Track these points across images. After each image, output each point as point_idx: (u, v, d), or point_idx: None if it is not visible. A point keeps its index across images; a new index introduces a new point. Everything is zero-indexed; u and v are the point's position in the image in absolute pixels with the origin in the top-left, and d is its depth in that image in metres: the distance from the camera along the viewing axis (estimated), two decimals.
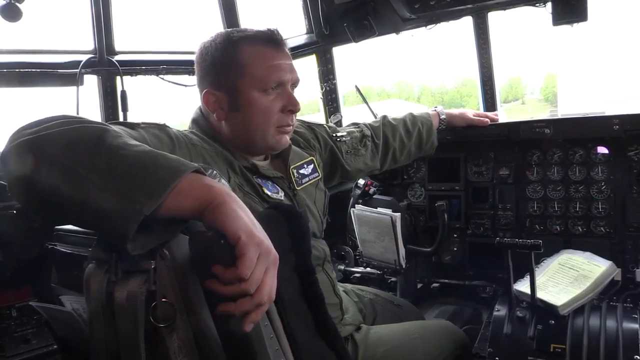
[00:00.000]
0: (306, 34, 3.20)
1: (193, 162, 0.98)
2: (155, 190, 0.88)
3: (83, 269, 0.93)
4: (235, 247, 0.88)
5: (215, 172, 1.01)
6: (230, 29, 1.60)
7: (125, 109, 2.59)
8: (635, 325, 1.66)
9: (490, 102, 2.97)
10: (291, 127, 1.61)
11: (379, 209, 2.36)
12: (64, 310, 1.09)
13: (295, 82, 1.59)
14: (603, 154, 2.28)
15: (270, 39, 1.54)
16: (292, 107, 1.56)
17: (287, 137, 1.63)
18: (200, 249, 0.92)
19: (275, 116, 1.55)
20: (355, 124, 2.24)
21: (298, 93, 1.65)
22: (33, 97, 2.41)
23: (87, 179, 0.88)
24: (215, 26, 2.92)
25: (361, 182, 2.62)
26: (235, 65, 1.50)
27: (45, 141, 0.93)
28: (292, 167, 1.73)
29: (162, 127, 1.40)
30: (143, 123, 1.35)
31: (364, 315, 1.94)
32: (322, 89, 3.30)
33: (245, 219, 0.91)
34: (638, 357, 1.56)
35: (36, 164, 0.90)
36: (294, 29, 3.20)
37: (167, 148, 1.32)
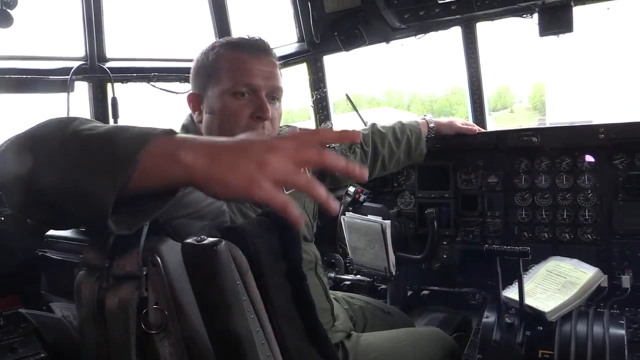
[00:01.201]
0: (297, 42, 3.22)
1: None
2: (125, 160, 0.81)
3: (74, 275, 0.92)
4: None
5: None
6: (219, 39, 1.65)
7: (115, 116, 2.58)
8: (622, 331, 1.69)
9: (479, 110, 3.01)
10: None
11: (369, 217, 2.37)
12: (54, 317, 1.08)
13: (272, 90, 1.57)
14: (589, 162, 2.32)
15: (249, 45, 1.56)
16: (260, 113, 1.53)
17: None
18: (193, 258, 0.92)
19: (244, 121, 1.53)
20: None
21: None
22: (23, 103, 2.39)
23: (60, 165, 0.85)
24: (207, 34, 2.93)
25: (351, 189, 2.63)
26: (211, 69, 1.55)
27: (19, 141, 0.91)
28: None
29: None
30: None
31: (354, 323, 1.95)
32: (312, 97, 3.32)
33: (230, 179, 0.81)
34: None
35: (17, 164, 0.88)
36: (285, 37, 3.22)
37: None
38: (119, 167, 0.80)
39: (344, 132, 0.95)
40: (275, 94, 1.59)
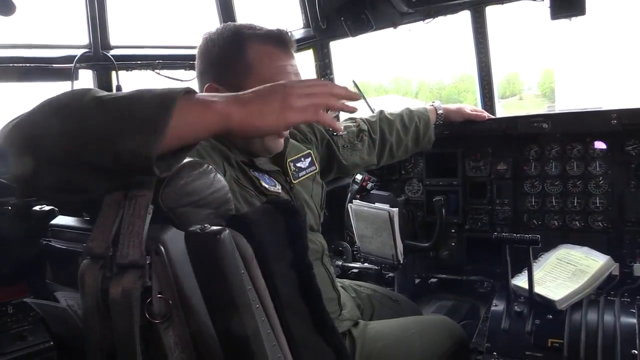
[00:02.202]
0: (303, 28, 3.19)
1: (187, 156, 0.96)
2: (163, 111, 0.86)
3: (78, 264, 0.92)
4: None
5: (210, 167, 1.00)
6: (240, 24, 1.55)
7: None
8: (633, 320, 1.67)
9: (488, 97, 2.96)
10: (288, 130, 1.62)
11: (377, 205, 2.35)
12: (58, 306, 1.08)
13: None
14: (601, 149, 2.28)
15: (280, 40, 1.51)
16: None
17: (281, 142, 1.60)
18: (196, 247, 0.91)
19: None
20: (352, 119, 2.23)
21: None
22: (25, 92, 2.38)
23: (90, 130, 0.86)
24: (211, 20, 2.90)
25: (359, 177, 2.61)
26: (243, 63, 1.47)
27: (36, 115, 0.91)
28: (288, 160, 1.72)
29: None
30: None
31: (361, 311, 1.94)
32: None
33: (265, 114, 0.98)
34: (635, 352, 1.56)
35: (36, 137, 0.88)
36: (291, 23, 3.19)
37: None
38: (158, 120, 0.85)
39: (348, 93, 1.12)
40: None
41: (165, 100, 0.87)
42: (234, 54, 1.48)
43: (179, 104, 0.88)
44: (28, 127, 0.90)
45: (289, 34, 1.55)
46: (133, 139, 0.84)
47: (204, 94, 0.97)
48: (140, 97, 0.89)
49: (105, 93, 0.92)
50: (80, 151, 0.86)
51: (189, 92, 0.92)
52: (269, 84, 1.03)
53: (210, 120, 0.93)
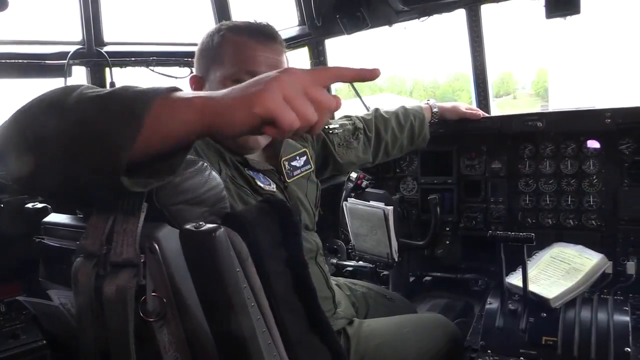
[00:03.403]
0: (298, 25, 3.18)
1: None
2: (140, 105, 0.79)
3: (71, 263, 0.91)
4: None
5: (205, 164, 0.99)
6: (226, 21, 1.61)
7: None
8: (626, 318, 1.68)
9: (482, 95, 2.96)
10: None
11: (372, 203, 2.35)
12: (51, 304, 1.07)
13: None
14: (594, 148, 2.29)
15: (255, 31, 1.52)
16: None
17: (259, 139, 1.54)
18: (191, 245, 0.90)
19: None
20: (347, 117, 2.23)
21: None
22: (19, 89, 2.36)
23: (70, 119, 0.81)
24: (206, 16, 2.89)
25: (353, 175, 2.61)
26: (215, 53, 1.52)
27: (30, 113, 0.86)
28: (283, 159, 1.71)
29: None
30: None
31: (356, 309, 1.94)
32: None
33: (241, 109, 0.80)
34: (628, 349, 1.57)
35: (34, 136, 0.83)
36: (286, 20, 3.17)
37: None
38: (135, 113, 0.78)
39: (362, 70, 0.90)
40: None
41: (146, 92, 0.81)
42: (209, 45, 1.54)
43: (160, 99, 0.80)
44: (23, 125, 0.86)
45: (270, 27, 1.55)
46: (111, 125, 0.77)
47: (189, 91, 0.86)
48: (126, 89, 0.82)
49: (97, 88, 0.87)
50: (79, 150, 0.80)
51: (173, 89, 0.84)
52: (269, 98, 0.81)
53: (186, 114, 0.81)
